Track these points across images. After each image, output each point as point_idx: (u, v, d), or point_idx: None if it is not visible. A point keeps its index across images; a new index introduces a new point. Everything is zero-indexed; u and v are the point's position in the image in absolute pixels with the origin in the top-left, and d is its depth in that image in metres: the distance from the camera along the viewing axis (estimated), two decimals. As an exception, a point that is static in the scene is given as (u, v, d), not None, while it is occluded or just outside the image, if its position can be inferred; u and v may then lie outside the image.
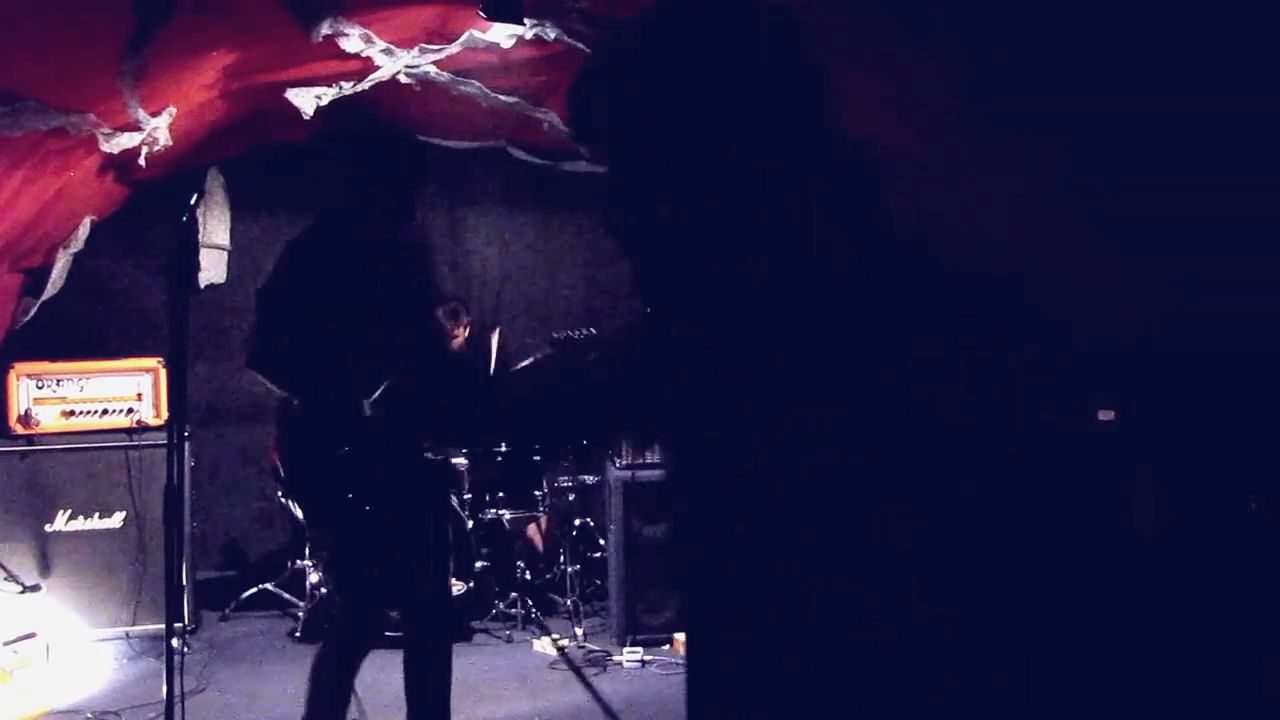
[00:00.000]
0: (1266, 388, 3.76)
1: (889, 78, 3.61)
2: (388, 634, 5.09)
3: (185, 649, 4.92)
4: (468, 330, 6.03)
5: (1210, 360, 3.91)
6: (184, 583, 5.04)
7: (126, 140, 4.29)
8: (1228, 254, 3.38)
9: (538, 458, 5.49)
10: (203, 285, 6.09)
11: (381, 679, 4.81)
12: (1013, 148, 3.63)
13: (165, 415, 5.02)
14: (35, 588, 4.76)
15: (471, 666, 5.00)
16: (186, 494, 5.09)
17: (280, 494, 4.44)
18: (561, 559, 5.64)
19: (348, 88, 4.70)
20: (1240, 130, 2.86)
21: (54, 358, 5.24)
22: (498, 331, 6.05)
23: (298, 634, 5.39)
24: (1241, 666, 3.67)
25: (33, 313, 5.44)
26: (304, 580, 5.45)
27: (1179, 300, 3.76)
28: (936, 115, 3.71)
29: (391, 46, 4.27)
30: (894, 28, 3.25)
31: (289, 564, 5.74)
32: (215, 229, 6.17)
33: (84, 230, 5.37)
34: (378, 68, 4.49)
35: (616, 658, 5.03)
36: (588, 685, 4.73)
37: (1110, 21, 2.70)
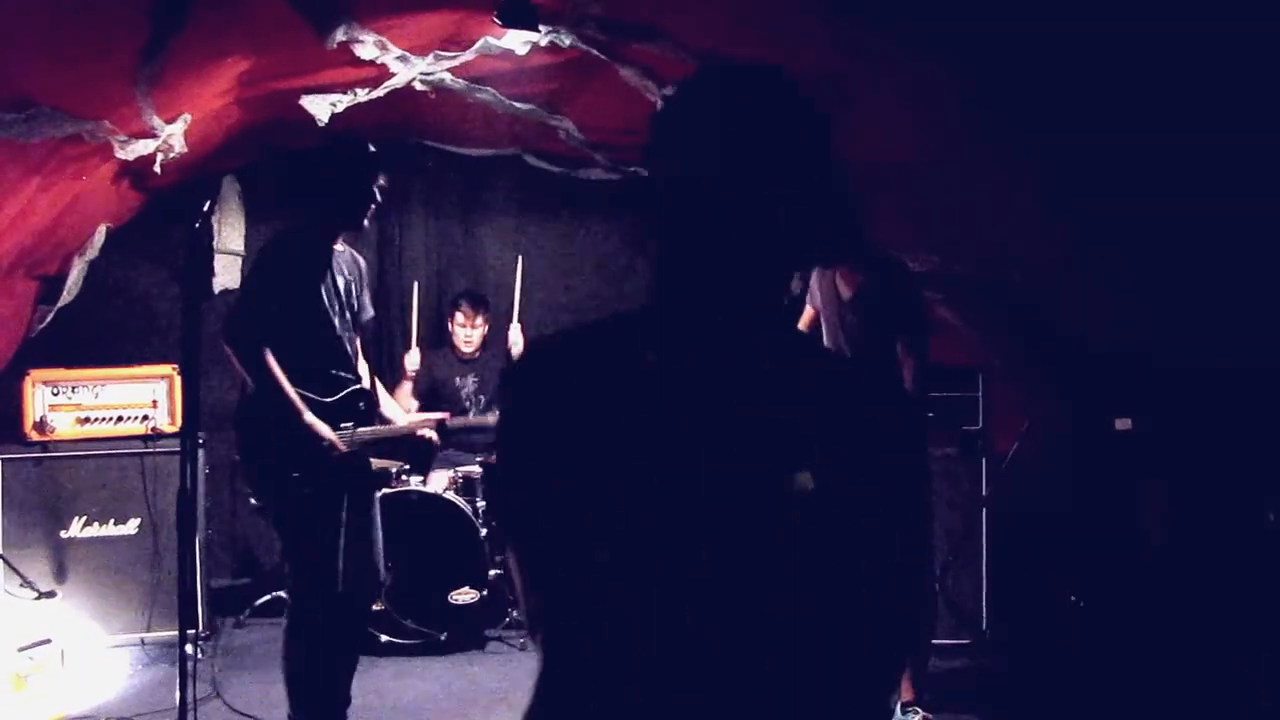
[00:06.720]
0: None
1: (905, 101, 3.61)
2: (389, 639, 5.11)
3: (199, 655, 4.94)
4: (484, 326, 6.07)
5: (1228, 374, 3.88)
6: (198, 589, 5.04)
7: (141, 147, 4.30)
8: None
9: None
10: (217, 291, 6.10)
11: (390, 688, 4.81)
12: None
13: (180, 422, 5.02)
14: (50, 594, 4.77)
15: (485, 674, 4.99)
16: (201, 500, 5.09)
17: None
18: (575, 566, 5.62)
19: (363, 94, 4.70)
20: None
21: (69, 365, 5.26)
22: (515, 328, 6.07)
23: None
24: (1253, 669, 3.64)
25: (48, 320, 5.45)
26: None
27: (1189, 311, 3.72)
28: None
29: (406, 53, 4.27)
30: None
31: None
32: (230, 235, 6.17)
33: (99, 237, 5.38)
34: (393, 75, 4.49)
35: (630, 666, 5.01)
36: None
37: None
